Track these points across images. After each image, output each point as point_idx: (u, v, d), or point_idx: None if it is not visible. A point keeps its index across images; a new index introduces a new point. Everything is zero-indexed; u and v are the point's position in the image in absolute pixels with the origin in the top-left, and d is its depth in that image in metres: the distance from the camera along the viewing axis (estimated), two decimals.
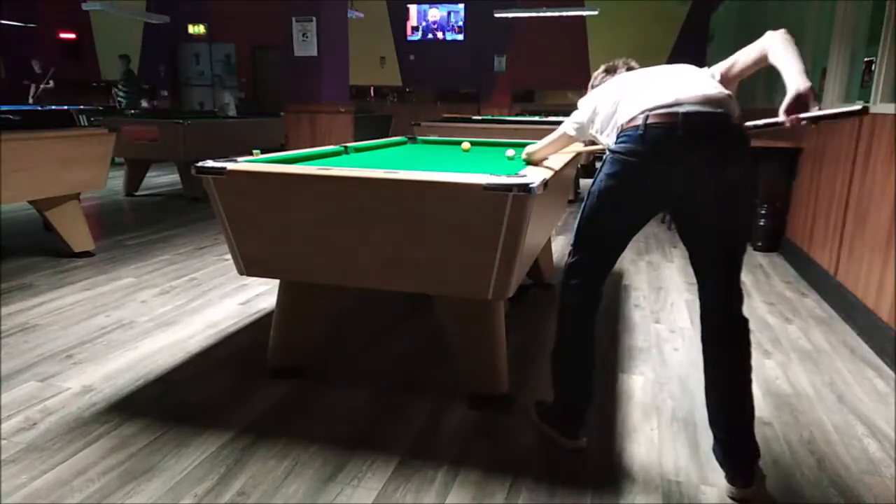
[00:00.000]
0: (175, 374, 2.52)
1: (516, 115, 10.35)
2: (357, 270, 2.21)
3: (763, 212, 4.80)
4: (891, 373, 2.69)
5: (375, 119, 10.63)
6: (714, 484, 1.86)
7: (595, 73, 2.27)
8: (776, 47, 1.69)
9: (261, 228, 2.23)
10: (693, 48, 10.28)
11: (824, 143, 4.02)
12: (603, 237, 1.90)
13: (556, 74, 11.57)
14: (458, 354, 2.37)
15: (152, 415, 2.18)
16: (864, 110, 1.59)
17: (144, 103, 10.72)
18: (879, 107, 3.20)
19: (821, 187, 4.00)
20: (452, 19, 12.53)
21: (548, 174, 2.19)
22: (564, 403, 2.02)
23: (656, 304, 3.53)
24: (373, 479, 1.84)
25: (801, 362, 2.78)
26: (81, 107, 8.76)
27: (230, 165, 2.19)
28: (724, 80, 1.84)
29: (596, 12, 10.48)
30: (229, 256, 3.18)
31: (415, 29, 12.73)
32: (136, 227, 5.27)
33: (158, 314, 3.18)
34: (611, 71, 2.21)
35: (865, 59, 3.59)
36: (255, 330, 3.00)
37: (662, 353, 2.84)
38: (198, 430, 2.08)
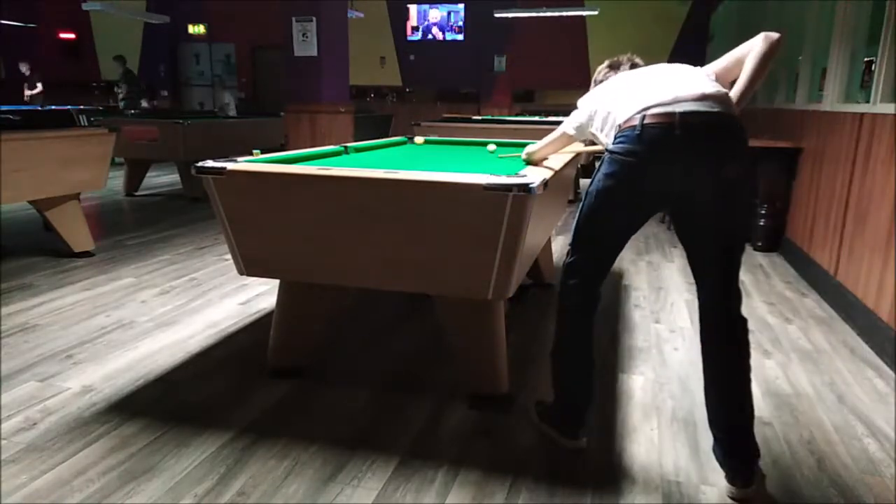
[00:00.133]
0: (175, 374, 2.52)
1: (516, 115, 10.35)
2: (357, 270, 2.21)
3: (763, 212, 4.80)
4: (891, 373, 2.69)
5: (375, 119, 10.64)
6: (714, 484, 1.86)
7: (599, 68, 2.25)
8: (748, 63, 1.76)
9: (261, 228, 2.23)
10: (693, 48, 10.29)
11: (824, 143, 4.02)
12: (601, 237, 1.90)
13: (556, 74, 11.58)
14: (458, 354, 2.37)
15: (152, 415, 2.18)
16: None
17: (144, 103, 10.71)
18: (879, 107, 3.20)
19: (821, 187, 4.00)
20: (452, 19, 12.54)
21: (548, 174, 2.18)
22: (564, 403, 2.02)
23: (656, 304, 3.53)
24: (373, 479, 1.84)
25: (801, 362, 2.78)
26: (81, 107, 8.76)
27: (230, 165, 2.19)
28: (719, 78, 1.85)
29: (596, 12, 10.49)
30: (229, 256, 3.18)
31: (415, 29, 12.74)
32: (136, 227, 5.27)
33: (158, 314, 3.18)
34: (614, 67, 2.19)
35: (865, 59, 3.59)
36: (255, 330, 3.00)
37: (662, 353, 2.84)
38: (198, 430, 2.08)
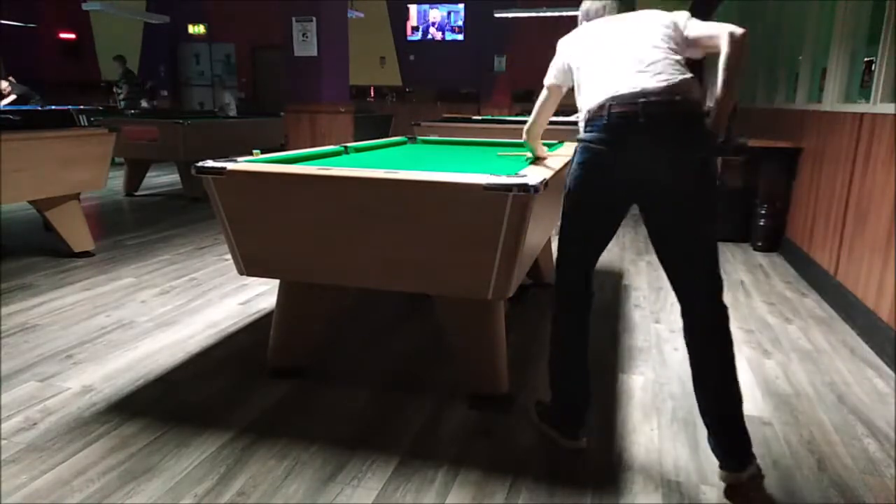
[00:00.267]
0: (175, 374, 2.52)
1: (516, 115, 10.34)
2: (357, 270, 2.21)
3: (763, 212, 4.81)
4: (891, 373, 2.69)
5: (375, 119, 10.63)
6: (714, 484, 1.86)
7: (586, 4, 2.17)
8: (720, 74, 1.76)
9: (261, 228, 2.23)
10: None
11: (824, 143, 4.02)
12: (585, 233, 1.94)
13: None
14: (458, 354, 2.37)
15: (152, 415, 2.18)
16: None
17: (144, 103, 10.71)
18: (879, 107, 3.20)
19: (821, 187, 4.00)
20: (452, 19, 12.54)
21: (548, 174, 2.19)
22: (563, 404, 2.03)
23: (656, 304, 3.53)
24: (373, 479, 1.84)
25: (801, 362, 2.78)
26: (81, 107, 8.76)
27: (230, 165, 2.19)
28: (693, 43, 1.87)
29: None
30: (229, 256, 3.18)
31: (415, 29, 12.74)
32: (136, 227, 5.27)
33: (158, 314, 3.18)
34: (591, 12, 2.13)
35: (865, 59, 3.59)
36: (255, 330, 3.00)
37: (662, 353, 2.84)
38: (198, 430, 2.08)
